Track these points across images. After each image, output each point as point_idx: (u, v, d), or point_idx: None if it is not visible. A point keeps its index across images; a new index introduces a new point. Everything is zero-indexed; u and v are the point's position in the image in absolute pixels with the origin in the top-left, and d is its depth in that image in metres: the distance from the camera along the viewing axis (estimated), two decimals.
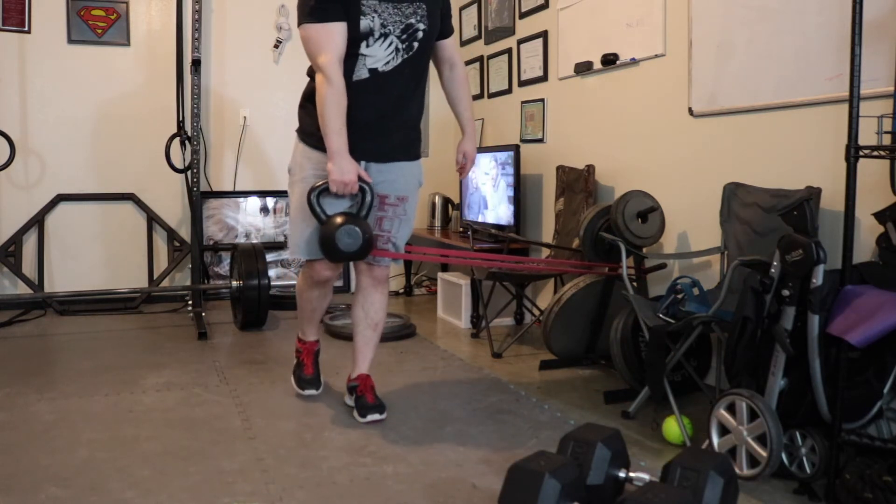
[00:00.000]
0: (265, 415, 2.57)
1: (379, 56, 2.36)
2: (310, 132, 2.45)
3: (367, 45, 2.33)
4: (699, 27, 2.93)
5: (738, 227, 2.63)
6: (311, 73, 2.45)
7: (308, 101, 2.45)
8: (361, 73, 2.36)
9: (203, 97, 4.53)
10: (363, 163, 2.44)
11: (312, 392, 2.80)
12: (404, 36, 2.37)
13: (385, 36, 2.34)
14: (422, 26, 2.39)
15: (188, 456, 2.19)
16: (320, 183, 2.34)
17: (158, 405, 2.66)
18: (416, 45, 2.40)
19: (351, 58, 2.33)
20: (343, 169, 2.30)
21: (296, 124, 2.55)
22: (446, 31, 2.54)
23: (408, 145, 2.54)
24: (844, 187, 2.02)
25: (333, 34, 2.27)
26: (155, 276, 4.58)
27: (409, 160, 2.54)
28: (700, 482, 1.63)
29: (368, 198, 2.36)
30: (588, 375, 3.13)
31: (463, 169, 2.67)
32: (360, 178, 2.35)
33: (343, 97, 2.29)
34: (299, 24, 2.32)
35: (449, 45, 2.57)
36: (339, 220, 2.30)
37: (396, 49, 2.37)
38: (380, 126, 2.44)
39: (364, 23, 2.30)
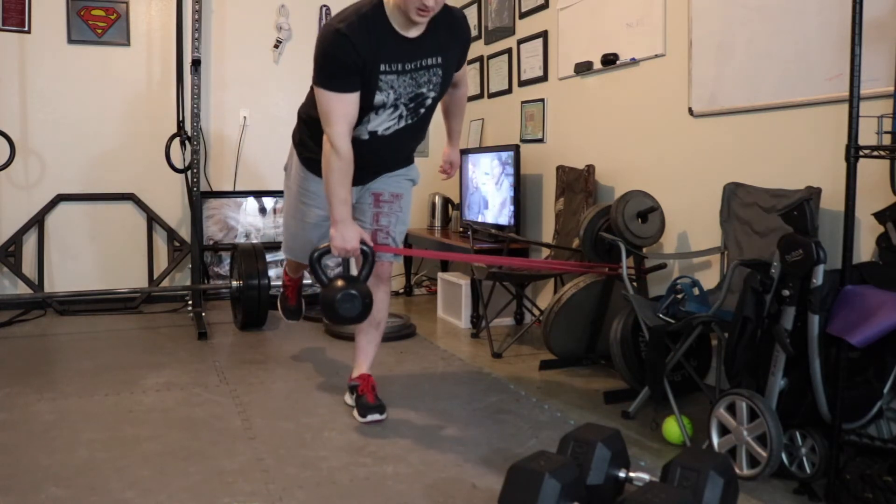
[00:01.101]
0: (265, 415, 2.57)
1: (382, 121, 2.38)
2: (306, 155, 2.50)
3: (376, 114, 2.35)
4: (699, 27, 2.93)
5: (738, 227, 2.63)
6: (310, 101, 2.45)
7: (305, 125, 2.47)
8: (361, 133, 2.38)
9: (203, 97, 4.53)
10: (358, 186, 2.49)
11: (293, 322, 3.31)
12: (412, 105, 2.39)
13: (395, 107, 2.36)
14: (432, 94, 2.40)
15: (188, 456, 2.19)
16: (322, 246, 2.39)
17: (158, 405, 2.66)
18: (421, 111, 2.43)
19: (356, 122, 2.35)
20: (346, 237, 2.33)
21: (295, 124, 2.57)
22: (460, 67, 2.52)
23: (400, 163, 2.61)
24: (844, 187, 2.02)
25: (348, 106, 2.26)
26: (155, 276, 4.58)
27: (401, 168, 2.60)
28: (700, 482, 1.63)
29: (370, 259, 2.39)
30: (588, 375, 3.13)
31: (446, 173, 2.82)
32: (362, 242, 2.37)
33: (350, 167, 2.31)
34: (315, 82, 2.28)
35: (459, 72, 2.55)
36: (339, 283, 2.33)
37: (401, 116, 2.39)
38: (373, 169, 2.52)
39: (379, 98, 2.31)
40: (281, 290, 3.28)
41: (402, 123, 2.41)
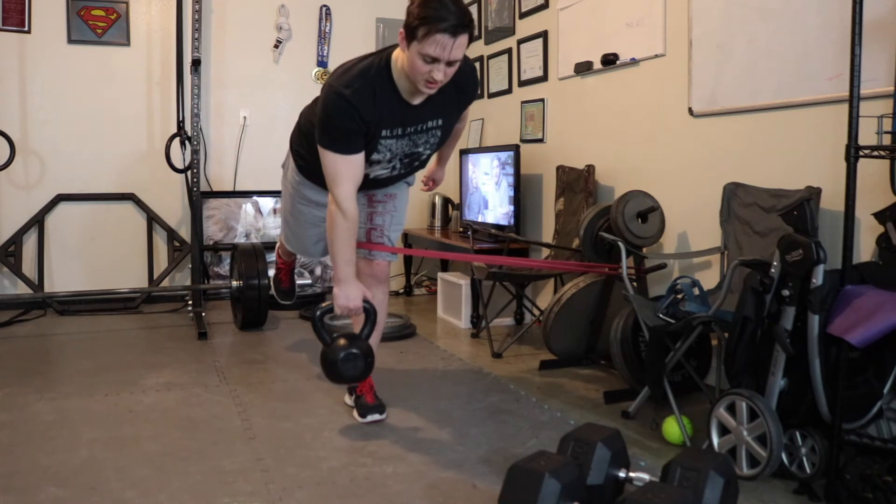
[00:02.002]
0: (265, 415, 2.57)
1: (376, 170, 2.39)
2: (303, 165, 2.50)
3: (370, 165, 2.34)
4: (699, 27, 2.93)
5: (738, 227, 2.63)
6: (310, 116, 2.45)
7: (304, 137, 2.46)
8: None
9: (203, 97, 4.53)
10: None
11: (288, 303, 3.39)
12: (407, 160, 2.40)
13: (390, 162, 2.37)
14: (428, 151, 2.41)
15: (188, 456, 2.19)
16: (325, 304, 2.40)
17: (158, 405, 2.66)
18: (416, 164, 2.46)
19: None
20: (349, 296, 2.34)
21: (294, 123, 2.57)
22: (461, 116, 2.50)
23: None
24: (844, 187, 2.02)
25: (354, 166, 2.24)
26: (155, 276, 4.58)
27: None
28: (700, 482, 1.63)
29: (372, 318, 2.40)
30: (588, 375, 3.13)
31: (427, 186, 2.87)
32: (364, 300, 2.38)
33: (355, 229, 2.31)
34: (319, 142, 2.24)
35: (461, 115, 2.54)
36: (341, 342, 2.34)
37: (394, 167, 2.41)
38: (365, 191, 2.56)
39: (375, 156, 2.32)
40: (274, 272, 3.37)
41: (395, 173, 2.44)
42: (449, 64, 2.06)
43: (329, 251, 2.37)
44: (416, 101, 2.22)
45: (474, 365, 3.27)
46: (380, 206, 2.57)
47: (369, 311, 2.39)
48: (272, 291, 3.43)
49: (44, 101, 4.41)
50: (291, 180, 2.58)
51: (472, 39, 2.11)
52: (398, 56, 2.15)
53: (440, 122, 2.33)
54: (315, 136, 2.25)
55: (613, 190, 3.49)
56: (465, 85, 2.30)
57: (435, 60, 2.03)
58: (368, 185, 2.48)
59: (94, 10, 4.45)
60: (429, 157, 2.46)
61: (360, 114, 2.14)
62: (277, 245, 3.20)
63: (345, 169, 2.22)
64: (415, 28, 2.01)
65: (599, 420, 2.53)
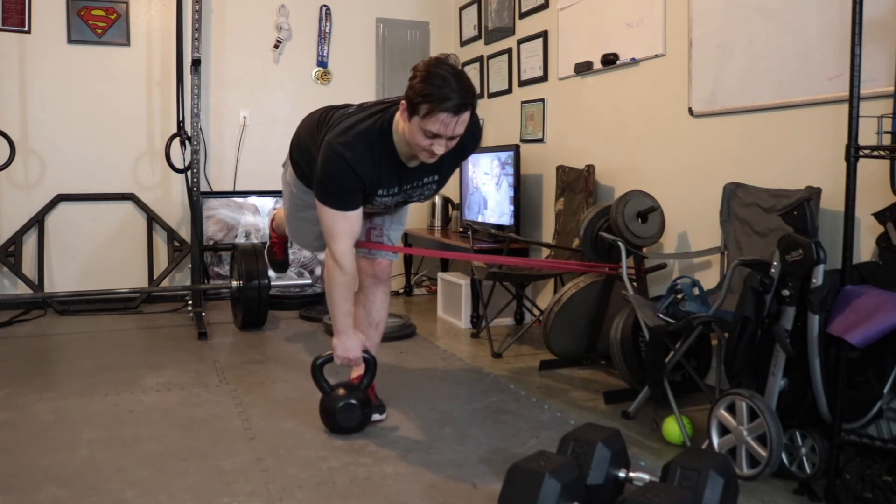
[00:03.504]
0: (265, 415, 2.57)
1: (370, 209, 2.44)
2: (299, 173, 2.51)
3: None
4: (699, 27, 2.93)
5: (738, 227, 2.63)
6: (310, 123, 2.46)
7: (301, 151, 2.46)
8: None
9: (203, 97, 4.53)
10: None
11: (280, 273, 3.71)
12: (400, 204, 2.46)
13: (384, 207, 2.43)
14: (419, 199, 2.46)
15: (188, 456, 2.19)
16: (325, 354, 2.43)
17: (158, 405, 2.66)
18: (407, 206, 2.55)
19: None
20: (348, 347, 2.38)
21: (295, 123, 2.57)
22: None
23: None
24: (844, 187, 2.02)
25: (351, 223, 2.26)
26: (155, 276, 4.58)
27: None
28: (700, 482, 1.63)
29: (371, 368, 2.45)
30: (588, 375, 3.12)
31: None
32: (364, 350, 2.41)
33: (354, 282, 2.35)
34: (317, 197, 2.25)
35: None
36: (340, 392, 2.39)
37: (387, 206, 2.44)
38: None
39: (369, 208, 2.37)
40: (268, 243, 3.61)
41: (387, 212, 2.54)
42: (451, 139, 2.07)
43: (328, 304, 2.40)
44: (414, 164, 2.25)
45: (474, 365, 3.27)
46: None
47: (369, 362, 2.44)
48: (267, 262, 3.68)
49: (44, 101, 4.41)
50: (291, 182, 2.58)
51: (473, 112, 2.11)
52: (399, 121, 2.15)
53: (436, 177, 2.36)
54: (314, 190, 2.27)
55: (613, 190, 3.49)
56: (467, 143, 2.27)
57: (436, 136, 2.04)
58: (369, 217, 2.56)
59: (94, 10, 4.45)
60: (422, 201, 2.52)
61: (358, 176, 2.17)
62: (270, 219, 3.26)
63: (342, 225, 2.24)
64: (417, 104, 2.01)
65: (599, 420, 2.53)
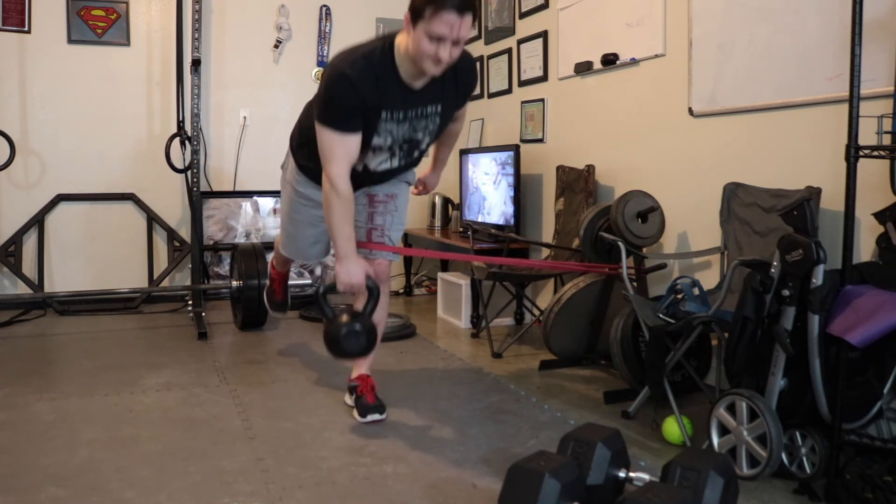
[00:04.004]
0: (265, 415, 2.57)
1: (374, 161, 2.40)
2: (303, 164, 2.51)
3: (372, 154, 2.36)
4: (699, 27, 2.93)
5: (738, 227, 2.63)
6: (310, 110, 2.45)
7: (303, 131, 2.46)
8: (356, 166, 2.37)
9: (203, 97, 4.53)
10: None
11: (280, 315, 3.39)
12: (406, 147, 2.41)
13: (390, 149, 2.38)
14: (427, 139, 2.43)
15: (188, 456, 2.19)
16: (328, 283, 2.40)
17: (158, 405, 2.66)
18: (415, 153, 2.47)
19: None
20: (351, 272, 2.34)
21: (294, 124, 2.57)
22: (460, 108, 2.53)
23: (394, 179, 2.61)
24: (844, 187, 2.02)
25: (349, 146, 2.26)
26: (155, 276, 4.58)
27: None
28: (700, 482, 1.63)
29: (375, 295, 2.40)
30: (588, 375, 3.13)
31: (419, 191, 2.84)
32: (367, 277, 2.38)
33: (351, 206, 2.32)
34: (317, 118, 2.27)
35: (459, 111, 2.56)
36: (344, 318, 2.34)
37: (394, 156, 2.42)
38: (366, 188, 2.55)
39: (376, 141, 2.32)
40: (267, 283, 3.40)
41: (395, 163, 2.45)
42: (455, 43, 2.10)
43: (329, 232, 2.38)
44: (418, 84, 2.26)
45: (474, 365, 3.27)
46: (381, 207, 2.57)
47: (372, 289, 2.38)
48: (266, 303, 3.41)
49: (44, 101, 4.41)
50: (291, 179, 2.59)
51: (475, 19, 2.16)
52: (401, 41, 2.20)
53: (439, 108, 2.35)
54: (314, 114, 2.28)
55: (613, 190, 3.49)
56: (465, 75, 2.35)
57: (441, 39, 2.08)
58: (370, 181, 2.48)
59: (94, 10, 4.45)
60: (427, 146, 2.47)
61: (360, 93, 2.18)
62: (272, 256, 3.20)
63: (340, 148, 2.24)
64: (422, 8, 2.06)
65: (599, 420, 2.53)
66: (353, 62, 2.19)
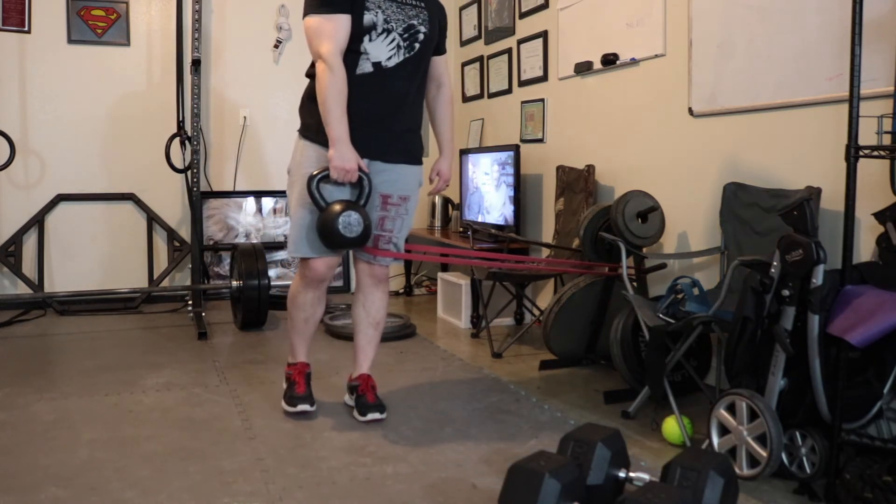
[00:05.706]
0: (265, 415, 2.57)
1: (381, 51, 2.38)
2: (308, 124, 2.48)
3: (370, 40, 2.35)
4: (699, 27, 2.93)
5: (738, 227, 2.63)
6: (311, 73, 2.45)
7: (309, 101, 2.46)
8: (365, 67, 2.37)
9: (203, 97, 4.53)
10: (367, 160, 2.44)
11: (306, 407, 2.55)
12: (406, 35, 2.41)
13: (388, 32, 2.37)
14: (423, 29, 2.44)
15: (188, 456, 2.19)
16: (321, 170, 2.35)
17: (158, 405, 2.66)
18: (416, 45, 2.43)
19: (354, 54, 2.36)
20: (344, 156, 2.31)
21: (296, 124, 2.55)
22: (441, 48, 2.58)
23: (410, 148, 2.56)
24: (844, 187, 2.02)
25: (338, 25, 2.30)
26: (155, 276, 4.58)
27: (411, 164, 2.55)
28: (700, 482, 1.63)
29: (367, 188, 2.38)
30: (588, 375, 3.13)
31: (436, 189, 2.72)
32: (359, 168, 2.36)
33: (344, 85, 2.32)
34: (305, 14, 2.35)
35: (440, 63, 2.60)
36: (338, 207, 2.31)
37: (398, 45, 2.40)
38: (382, 123, 2.45)
39: (368, 17, 2.33)
40: (285, 385, 2.69)
41: (402, 55, 2.41)
42: None
43: (321, 115, 2.34)
44: None
45: (474, 365, 3.27)
46: (393, 210, 2.52)
47: (363, 179, 2.37)
48: (285, 405, 2.60)
49: (44, 101, 4.41)
50: (299, 164, 2.48)
51: None
52: None
53: (423, 3, 2.45)
54: (303, 14, 2.36)
55: (613, 190, 3.49)
56: (435, 5, 2.50)
57: None
58: (389, 101, 2.43)
59: (94, 10, 4.45)
60: (427, 39, 2.45)
61: None
62: (292, 335, 2.68)
63: (329, 28, 2.29)
64: None
65: (599, 420, 2.53)
66: None
